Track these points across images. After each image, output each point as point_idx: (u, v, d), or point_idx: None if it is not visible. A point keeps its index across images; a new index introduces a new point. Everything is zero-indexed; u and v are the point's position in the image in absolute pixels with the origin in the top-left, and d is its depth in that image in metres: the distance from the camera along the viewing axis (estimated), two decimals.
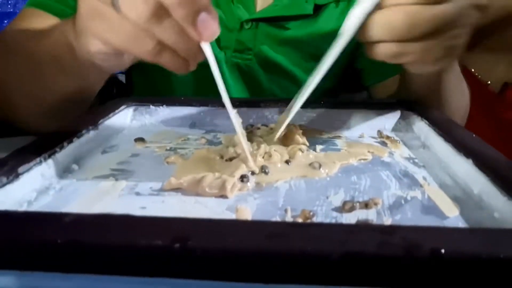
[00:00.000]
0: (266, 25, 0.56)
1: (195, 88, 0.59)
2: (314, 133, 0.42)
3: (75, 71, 0.39)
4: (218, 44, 0.56)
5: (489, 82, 0.77)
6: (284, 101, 0.45)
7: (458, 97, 0.52)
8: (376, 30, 0.32)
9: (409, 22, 0.31)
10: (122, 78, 0.78)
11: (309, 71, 0.57)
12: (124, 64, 0.36)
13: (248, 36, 0.56)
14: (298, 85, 0.57)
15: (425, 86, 0.47)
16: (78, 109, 0.45)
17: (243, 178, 0.30)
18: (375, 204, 0.27)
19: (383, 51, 0.33)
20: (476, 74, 0.78)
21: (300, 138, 0.38)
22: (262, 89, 0.59)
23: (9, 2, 0.72)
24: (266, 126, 0.43)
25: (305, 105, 0.44)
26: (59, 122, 0.37)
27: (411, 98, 0.48)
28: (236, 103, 0.44)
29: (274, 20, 0.56)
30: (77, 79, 0.41)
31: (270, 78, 0.58)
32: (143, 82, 0.64)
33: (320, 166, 0.33)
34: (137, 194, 0.29)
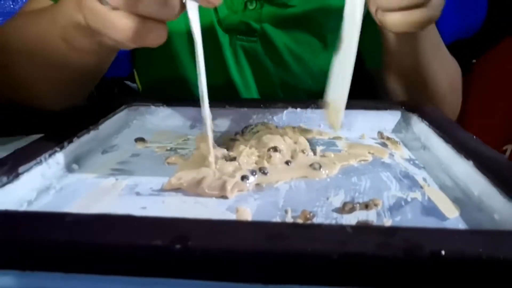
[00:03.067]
0: (270, 4, 0.54)
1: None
2: (314, 134, 0.42)
3: (87, 49, 0.39)
4: (221, 26, 0.54)
5: None
6: (287, 102, 0.45)
7: (440, 75, 0.52)
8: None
9: None
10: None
11: (315, 51, 0.56)
12: None
13: (253, 17, 0.54)
14: (305, 67, 0.57)
15: (405, 55, 0.48)
16: (91, 84, 0.47)
17: (243, 178, 0.30)
18: (375, 205, 0.27)
19: (395, 20, 0.35)
20: None
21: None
22: (268, 73, 0.57)
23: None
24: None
25: (305, 106, 0.45)
26: (73, 99, 0.42)
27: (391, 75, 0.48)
28: (235, 103, 0.45)
29: None
30: (90, 56, 0.41)
31: (276, 60, 0.57)
32: (149, 80, 0.63)
33: (320, 167, 0.33)
34: (137, 194, 0.29)
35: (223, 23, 0.54)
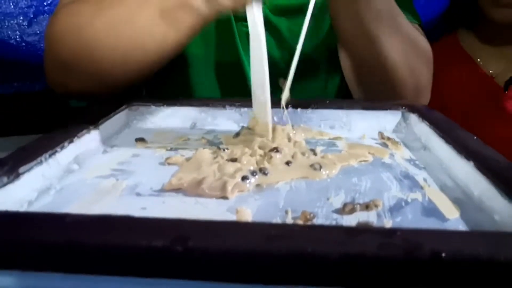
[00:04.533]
0: None
1: (215, 90, 0.59)
2: (315, 134, 0.42)
3: (190, 27, 0.41)
4: (234, 16, 0.55)
5: (493, 76, 0.77)
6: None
7: (395, 53, 0.49)
8: None
9: None
10: None
11: (319, 32, 0.56)
12: None
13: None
14: (312, 54, 0.57)
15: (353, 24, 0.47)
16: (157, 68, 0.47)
17: (244, 178, 0.30)
18: (376, 206, 0.27)
19: None
20: (481, 66, 0.78)
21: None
22: (273, 58, 0.57)
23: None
24: None
25: (305, 106, 0.45)
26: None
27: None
28: (235, 103, 0.45)
29: None
30: (188, 35, 0.43)
31: (281, 45, 0.57)
32: (162, 90, 0.63)
33: (320, 167, 0.33)
34: (138, 194, 0.29)
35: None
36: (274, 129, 0.38)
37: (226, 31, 0.56)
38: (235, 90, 0.55)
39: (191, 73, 0.59)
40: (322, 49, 0.58)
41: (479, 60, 0.78)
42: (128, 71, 0.45)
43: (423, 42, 0.53)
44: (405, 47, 0.50)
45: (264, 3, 0.53)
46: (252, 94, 0.37)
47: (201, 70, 0.58)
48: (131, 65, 0.45)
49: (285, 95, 0.39)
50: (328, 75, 0.60)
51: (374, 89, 0.52)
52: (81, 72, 0.45)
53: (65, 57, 0.45)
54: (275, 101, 0.39)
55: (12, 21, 0.72)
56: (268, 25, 0.55)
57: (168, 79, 0.60)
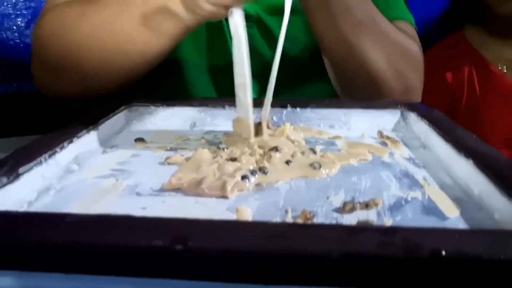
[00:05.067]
0: None
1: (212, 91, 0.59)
2: (314, 134, 0.42)
3: (172, 33, 0.41)
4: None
5: (503, 70, 0.77)
6: (287, 102, 0.45)
7: (375, 55, 0.48)
8: None
9: None
10: None
11: (310, 33, 0.55)
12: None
13: (249, 4, 0.52)
14: (301, 50, 0.57)
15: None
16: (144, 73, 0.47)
17: (243, 178, 0.30)
18: (376, 204, 0.27)
19: None
20: (491, 61, 0.77)
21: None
22: (265, 58, 0.56)
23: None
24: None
25: (305, 105, 0.45)
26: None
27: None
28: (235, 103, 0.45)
29: None
30: (170, 41, 0.43)
31: (272, 45, 0.56)
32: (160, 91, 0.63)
33: (320, 166, 0.33)
34: (138, 194, 0.29)
35: None
36: (258, 128, 0.38)
37: (218, 34, 0.56)
38: (231, 93, 0.55)
39: (185, 76, 0.59)
40: (314, 50, 0.57)
41: (488, 55, 0.78)
42: (111, 76, 0.45)
43: (411, 45, 0.52)
44: (390, 52, 0.49)
45: (256, 3, 0.53)
46: (236, 96, 0.38)
47: (195, 74, 0.58)
48: (114, 70, 0.45)
49: (266, 110, 0.39)
50: (322, 76, 0.60)
51: (360, 93, 0.51)
52: (66, 75, 0.46)
53: (50, 60, 0.46)
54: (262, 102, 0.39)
55: (10, 22, 0.72)
56: (260, 24, 0.55)
57: (162, 83, 0.60)
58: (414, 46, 0.53)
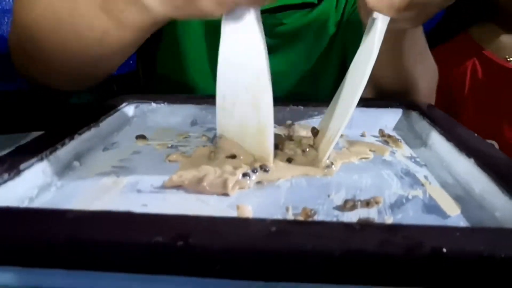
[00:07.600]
0: (269, 20, 0.54)
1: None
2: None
3: (135, 24, 0.37)
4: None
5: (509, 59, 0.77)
6: (287, 101, 0.45)
7: (422, 81, 0.50)
8: None
9: None
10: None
11: (305, 57, 0.56)
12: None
13: None
14: (295, 69, 0.58)
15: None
16: (111, 69, 0.45)
17: (244, 175, 0.30)
18: (377, 203, 0.27)
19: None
20: (498, 55, 0.77)
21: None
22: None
23: None
24: None
25: (307, 104, 0.45)
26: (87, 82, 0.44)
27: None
28: None
29: (273, 11, 0.54)
30: (134, 33, 0.38)
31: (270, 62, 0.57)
32: (163, 81, 0.63)
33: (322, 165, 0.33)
34: (138, 191, 0.29)
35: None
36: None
37: (216, 31, 0.56)
38: None
39: (189, 74, 0.59)
40: (320, 63, 0.59)
41: (494, 50, 0.77)
42: (66, 60, 0.42)
43: (435, 67, 0.54)
44: (432, 76, 0.52)
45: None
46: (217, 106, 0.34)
47: (199, 72, 0.58)
48: (70, 54, 0.42)
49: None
50: (323, 88, 0.61)
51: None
52: (29, 55, 0.44)
53: (13, 40, 0.45)
54: None
55: (10, 18, 0.72)
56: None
57: (168, 81, 0.60)
58: (437, 73, 0.55)
